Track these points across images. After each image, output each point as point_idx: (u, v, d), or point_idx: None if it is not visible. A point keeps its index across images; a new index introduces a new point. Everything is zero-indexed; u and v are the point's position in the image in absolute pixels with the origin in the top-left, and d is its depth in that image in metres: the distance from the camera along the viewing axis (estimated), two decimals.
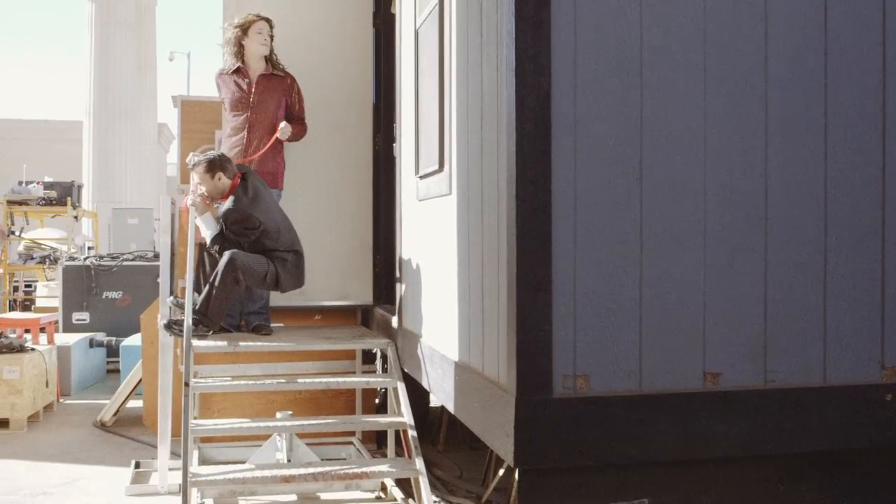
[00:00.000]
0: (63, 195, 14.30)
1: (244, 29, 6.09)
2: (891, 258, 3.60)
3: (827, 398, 3.53)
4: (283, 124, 5.97)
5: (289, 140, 6.12)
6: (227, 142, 6.13)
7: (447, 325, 4.41)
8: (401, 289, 5.67)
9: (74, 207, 14.35)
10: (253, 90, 6.08)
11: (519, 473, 3.35)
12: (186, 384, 5.14)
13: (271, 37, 6.14)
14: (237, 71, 6.13)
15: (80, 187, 15.29)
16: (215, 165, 5.53)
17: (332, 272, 6.39)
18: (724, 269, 3.47)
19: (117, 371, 9.36)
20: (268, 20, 6.11)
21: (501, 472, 5.41)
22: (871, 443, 3.58)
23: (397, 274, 5.82)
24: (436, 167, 4.58)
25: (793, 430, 3.50)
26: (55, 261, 13.28)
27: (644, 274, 3.39)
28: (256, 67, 6.12)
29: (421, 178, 5.01)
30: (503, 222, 3.43)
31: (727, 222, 3.47)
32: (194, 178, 5.64)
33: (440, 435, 6.99)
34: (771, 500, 3.57)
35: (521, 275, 3.26)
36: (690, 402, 3.41)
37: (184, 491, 4.74)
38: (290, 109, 6.18)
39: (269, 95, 6.09)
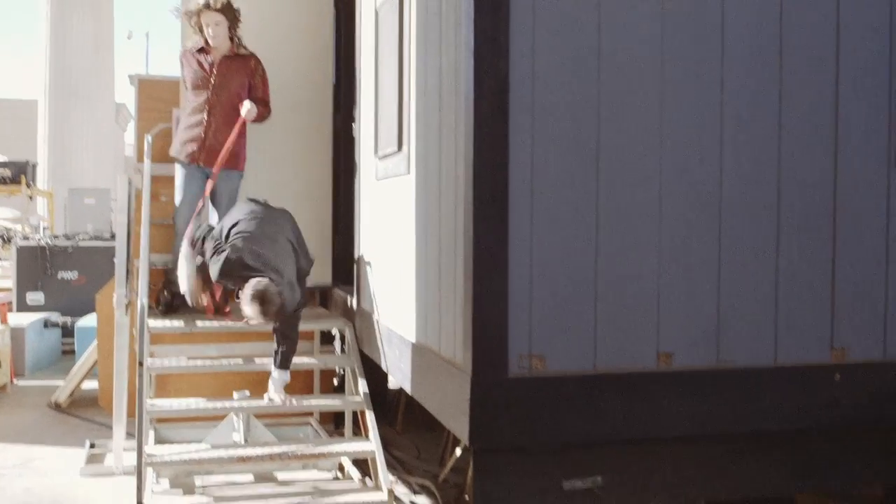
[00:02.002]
0: (17, 174, 14.07)
1: (192, 19, 5.97)
2: (841, 243, 3.67)
3: (777, 379, 3.60)
4: (247, 104, 5.87)
5: (252, 122, 6.02)
6: (186, 120, 6.04)
7: (405, 305, 4.42)
8: (359, 269, 5.67)
9: (29, 187, 14.13)
10: (215, 71, 5.97)
11: (474, 452, 3.37)
12: (141, 364, 5.10)
13: (237, 20, 5.99)
14: (202, 50, 6.04)
15: (34, 166, 15.05)
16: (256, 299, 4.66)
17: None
18: (678, 253, 3.51)
19: (73, 352, 9.26)
20: (221, 9, 5.87)
21: (458, 451, 5.44)
22: (821, 422, 3.66)
23: (356, 254, 5.81)
24: (394, 148, 4.57)
25: (744, 409, 3.56)
26: (9, 241, 13.07)
27: (599, 257, 3.42)
28: (221, 48, 6.04)
29: (380, 158, 5.00)
30: (460, 203, 3.44)
31: (682, 207, 3.51)
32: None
33: (398, 416, 7.00)
34: (722, 478, 3.64)
35: (477, 256, 3.28)
36: (644, 382, 3.46)
37: (139, 471, 4.71)
38: (253, 91, 6.04)
39: (232, 77, 5.98)
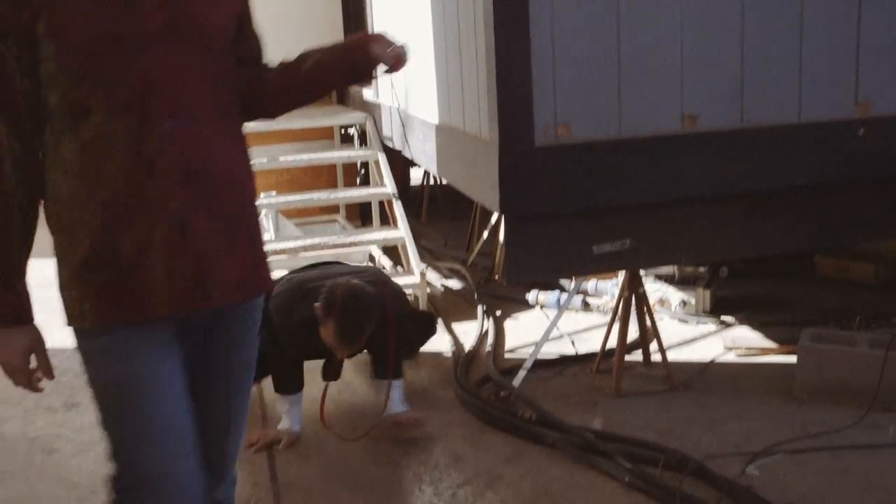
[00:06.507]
0: None
1: None
2: None
3: (802, 135, 3.60)
4: None
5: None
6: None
7: (426, 89, 4.40)
8: None
9: None
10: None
11: (505, 221, 3.44)
12: None
13: None
14: None
15: None
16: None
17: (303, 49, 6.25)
18: (701, 12, 3.43)
19: None
20: None
21: (485, 235, 5.57)
22: (844, 176, 3.68)
23: None
24: None
25: (768, 167, 3.58)
26: None
27: (621, 19, 3.36)
28: None
29: None
30: None
31: None
32: None
33: (422, 210, 7.14)
34: (745, 234, 3.71)
35: (497, 25, 3.23)
36: (669, 145, 3.47)
37: None
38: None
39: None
